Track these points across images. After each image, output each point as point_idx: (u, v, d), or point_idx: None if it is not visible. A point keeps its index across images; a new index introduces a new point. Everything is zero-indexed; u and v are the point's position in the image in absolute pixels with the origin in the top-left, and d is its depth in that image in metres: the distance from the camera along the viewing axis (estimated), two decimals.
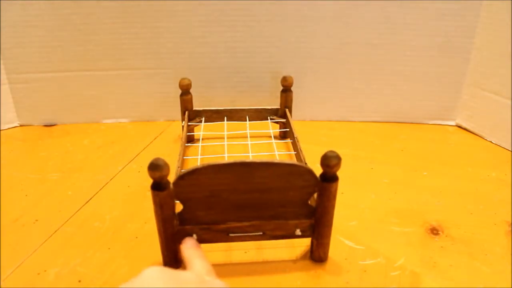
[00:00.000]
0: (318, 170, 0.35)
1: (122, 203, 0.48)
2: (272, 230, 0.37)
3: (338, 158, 0.35)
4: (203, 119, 0.62)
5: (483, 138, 0.64)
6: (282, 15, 0.63)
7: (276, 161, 0.34)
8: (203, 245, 0.40)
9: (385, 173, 0.55)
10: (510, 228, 0.44)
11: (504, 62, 0.59)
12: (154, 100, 0.69)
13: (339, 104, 0.69)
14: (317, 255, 0.39)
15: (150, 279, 0.26)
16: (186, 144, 0.60)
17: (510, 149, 0.60)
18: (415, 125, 0.69)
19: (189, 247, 0.35)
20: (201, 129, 0.63)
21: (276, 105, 0.63)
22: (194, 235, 0.37)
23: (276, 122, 0.63)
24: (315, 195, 0.36)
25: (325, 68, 0.66)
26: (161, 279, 0.26)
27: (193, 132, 0.63)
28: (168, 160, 0.33)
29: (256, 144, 0.60)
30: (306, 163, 0.46)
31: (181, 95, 0.60)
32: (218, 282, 0.30)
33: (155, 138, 0.64)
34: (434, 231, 0.44)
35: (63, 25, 0.63)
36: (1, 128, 0.67)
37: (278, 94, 0.62)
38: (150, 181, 0.34)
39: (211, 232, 0.37)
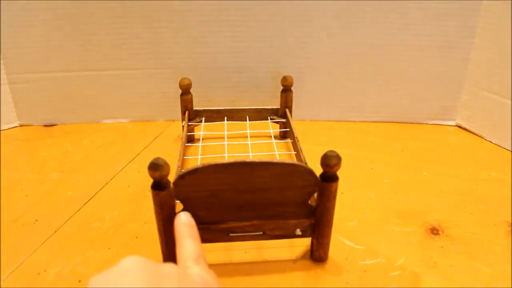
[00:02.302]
0: (318, 170, 0.35)
1: (122, 203, 0.48)
2: (272, 230, 0.37)
3: (338, 158, 0.35)
4: (203, 119, 0.62)
5: (483, 138, 0.64)
6: (282, 15, 0.63)
7: (276, 161, 0.34)
8: (203, 245, 0.40)
9: (385, 173, 0.55)
10: (510, 228, 0.44)
11: (504, 62, 0.59)
12: (154, 100, 0.69)
13: (339, 104, 0.69)
14: (317, 255, 0.39)
15: (128, 269, 0.24)
16: (186, 144, 0.60)
17: (510, 149, 0.60)
18: (415, 125, 0.69)
19: (182, 224, 0.33)
20: (201, 129, 0.63)
21: (276, 105, 0.63)
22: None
23: (276, 122, 0.63)
24: (315, 195, 0.36)
25: (325, 68, 0.66)
26: (139, 270, 0.24)
27: (193, 132, 0.63)
28: (168, 160, 0.33)
29: (256, 144, 0.60)
30: (306, 163, 0.46)
31: (181, 95, 0.60)
32: (202, 274, 0.29)
33: (155, 138, 0.64)
34: (434, 231, 0.44)
35: (63, 25, 0.63)
36: (1, 128, 0.67)
37: (278, 94, 0.62)
38: (150, 181, 0.34)
39: (211, 232, 0.37)
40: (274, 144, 0.57)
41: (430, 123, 0.69)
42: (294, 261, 0.40)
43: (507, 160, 0.58)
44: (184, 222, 0.34)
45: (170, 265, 0.26)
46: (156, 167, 0.33)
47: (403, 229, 0.44)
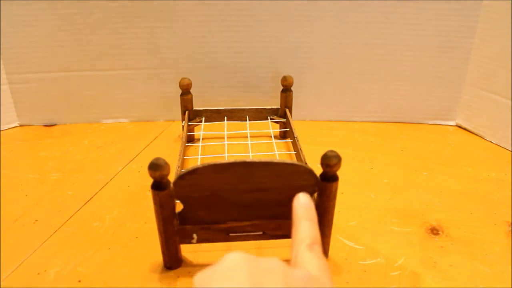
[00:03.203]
0: (318, 170, 0.35)
1: (122, 203, 0.48)
2: (273, 230, 0.37)
3: (338, 158, 0.35)
4: (203, 119, 0.62)
5: (483, 138, 0.64)
6: (282, 15, 0.63)
7: (276, 160, 0.34)
8: (203, 245, 0.40)
9: (385, 173, 0.55)
10: (510, 228, 0.44)
11: (504, 62, 0.59)
12: (154, 100, 0.69)
13: (339, 104, 0.69)
14: None
15: (232, 266, 0.24)
16: (186, 144, 0.60)
17: (510, 149, 0.60)
18: (415, 125, 0.69)
19: (300, 206, 0.32)
20: (201, 129, 0.63)
21: (276, 105, 0.63)
22: (194, 235, 0.37)
23: (276, 122, 0.63)
24: (315, 195, 0.36)
25: (325, 68, 0.67)
26: (243, 267, 0.24)
27: (193, 132, 0.63)
28: (168, 160, 0.33)
29: (256, 144, 0.60)
30: (306, 163, 0.46)
31: (181, 95, 0.60)
32: (310, 267, 0.27)
33: (155, 138, 0.64)
34: (434, 231, 0.44)
35: (63, 25, 0.63)
36: (1, 128, 0.67)
37: (278, 94, 0.62)
38: (150, 181, 0.34)
39: (211, 232, 0.37)
40: (274, 144, 0.57)
41: (430, 123, 0.69)
42: None
43: (507, 160, 0.58)
44: (303, 204, 0.32)
45: (273, 260, 0.25)
46: (156, 167, 0.33)
47: (403, 229, 0.44)
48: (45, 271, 0.38)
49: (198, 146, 0.59)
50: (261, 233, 0.37)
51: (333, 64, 0.66)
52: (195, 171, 0.33)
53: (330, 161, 0.34)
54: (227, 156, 0.54)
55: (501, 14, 0.58)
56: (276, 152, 0.55)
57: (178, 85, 0.59)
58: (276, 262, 0.25)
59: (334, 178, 0.35)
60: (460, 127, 0.68)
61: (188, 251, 0.40)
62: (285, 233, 0.38)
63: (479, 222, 0.45)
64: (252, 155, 0.56)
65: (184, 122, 0.60)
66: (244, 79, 0.68)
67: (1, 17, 0.61)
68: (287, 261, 0.39)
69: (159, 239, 0.36)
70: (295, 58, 0.66)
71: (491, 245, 0.42)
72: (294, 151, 0.55)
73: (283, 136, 0.64)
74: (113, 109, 0.69)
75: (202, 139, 0.63)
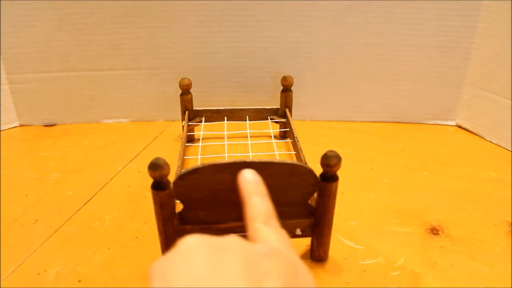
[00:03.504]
0: (318, 170, 0.35)
1: (122, 203, 0.48)
2: None
3: (338, 158, 0.35)
4: (203, 119, 0.62)
5: (483, 138, 0.64)
6: (282, 15, 0.63)
7: (276, 160, 0.34)
8: None
9: (385, 173, 0.55)
10: (510, 228, 0.44)
11: (504, 62, 0.59)
12: (154, 100, 0.69)
13: (339, 104, 0.69)
14: (317, 255, 0.39)
15: (189, 250, 0.23)
16: (186, 144, 0.60)
17: (510, 149, 0.60)
18: (415, 125, 0.69)
19: (247, 183, 0.31)
20: (201, 129, 0.63)
21: (276, 105, 0.63)
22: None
23: (276, 122, 0.63)
24: (315, 194, 0.36)
25: (325, 68, 0.67)
26: (202, 249, 0.23)
27: (193, 132, 0.63)
28: (168, 160, 0.33)
29: (256, 144, 0.60)
30: (306, 163, 0.46)
31: (181, 95, 0.60)
32: (270, 241, 0.26)
33: (155, 138, 0.64)
34: (434, 231, 0.44)
35: (63, 25, 0.63)
36: (1, 128, 0.67)
37: (278, 94, 0.62)
38: (150, 181, 0.34)
39: (211, 232, 0.36)
40: (274, 144, 0.57)
41: (430, 123, 0.69)
42: None
43: (507, 160, 0.58)
44: (250, 180, 0.31)
45: (232, 238, 0.24)
46: (156, 167, 0.33)
47: (403, 229, 0.44)
48: (45, 271, 0.38)
49: (198, 146, 0.59)
50: None
51: (333, 64, 0.66)
52: (195, 171, 0.33)
53: (330, 161, 0.34)
54: (227, 156, 0.54)
55: (501, 14, 0.58)
56: (276, 152, 0.55)
57: (178, 85, 0.59)
58: (235, 240, 0.24)
59: (334, 178, 0.35)
60: (460, 127, 0.68)
61: None
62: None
63: (479, 222, 0.45)
64: (252, 155, 0.56)
65: (184, 122, 0.60)
66: (244, 79, 0.68)
67: (1, 17, 0.61)
68: None
69: (159, 239, 0.36)
70: (295, 58, 0.66)
71: (491, 245, 0.42)
72: (294, 151, 0.55)
73: (283, 136, 0.64)
74: (113, 109, 0.69)
75: (202, 139, 0.63)
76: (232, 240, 0.24)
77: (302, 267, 0.25)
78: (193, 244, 0.23)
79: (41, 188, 0.51)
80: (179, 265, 0.22)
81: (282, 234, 0.27)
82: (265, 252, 0.23)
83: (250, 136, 0.61)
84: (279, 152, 0.57)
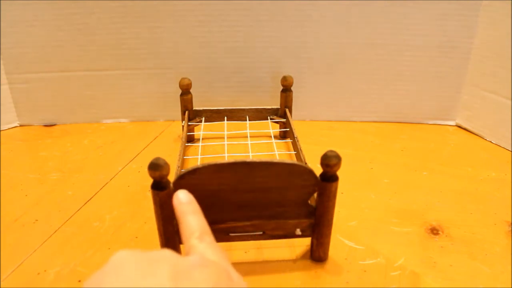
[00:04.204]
0: (318, 170, 0.35)
1: (122, 203, 0.48)
2: (272, 230, 0.37)
3: (338, 158, 0.35)
4: (203, 119, 0.62)
5: (483, 138, 0.64)
6: (282, 15, 0.63)
7: (276, 160, 0.34)
8: None
9: (385, 173, 0.55)
10: (510, 228, 0.44)
11: (504, 62, 0.59)
12: (154, 100, 0.69)
13: (339, 104, 0.69)
14: (317, 255, 0.39)
15: (119, 264, 0.24)
16: (186, 144, 0.60)
17: (510, 149, 0.60)
18: (415, 125, 0.69)
19: (180, 203, 0.32)
20: (201, 129, 0.63)
21: (276, 105, 0.63)
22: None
23: (276, 122, 0.63)
24: (315, 194, 0.36)
25: (325, 68, 0.67)
26: (131, 261, 0.23)
27: (193, 132, 0.63)
28: (168, 160, 0.33)
29: (256, 144, 0.60)
30: (306, 163, 0.46)
31: (181, 95, 0.60)
32: (203, 253, 0.27)
33: (155, 138, 0.64)
34: (434, 231, 0.44)
35: (63, 25, 0.63)
36: (1, 128, 0.67)
37: (278, 94, 0.62)
38: (150, 181, 0.34)
39: (211, 232, 0.37)
40: (274, 144, 0.57)
41: (430, 123, 0.69)
42: (294, 261, 0.39)
43: (507, 160, 0.58)
44: (182, 200, 0.32)
45: (164, 251, 0.25)
46: (156, 167, 0.33)
47: (403, 229, 0.44)
48: (45, 271, 0.38)
49: (198, 146, 0.59)
50: (261, 233, 0.37)
51: (333, 64, 0.66)
52: (195, 171, 0.33)
53: (330, 161, 0.34)
54: (227, 156, 0.54)
55: (501, 14, 0.58)
56: (276, 152, 0.55)
57: (178, 85, 0.59)
58: (166, 252, 0.25)
59: (334, 178, 0.35)
60: (460, 127, 0.68)
61: None
62: (285, 233, 0.38)
63: (479, 222, 0.45)
64: (252, 155, 0.56)
65: (184, 122, 0.60)
66: (244, 79, 0.68)
67: (1, 17, 0.61)
68: (289, 261, 0.39)
69: (159, 239, 0.36)
70: (295, 58, 0.66)
71: (491, 245, 0.42)
72: (294, 151, 0.55)
73: (283, 136, 0.64)
74: (113, 109, 0.69)
75: (202, 139, 0.63)
76: (163, 252, 0.25)
77: (237, 276, 0.26)
78: (123, 257, 0.24)
79: (41, 188, 0.51)
80: (109, 277, 0.23)
81: (217, 248, 0.28)
82: (196, 263, 0.24)
83: (250, 136, 0.61)
84: (279, 152, 0.57)
